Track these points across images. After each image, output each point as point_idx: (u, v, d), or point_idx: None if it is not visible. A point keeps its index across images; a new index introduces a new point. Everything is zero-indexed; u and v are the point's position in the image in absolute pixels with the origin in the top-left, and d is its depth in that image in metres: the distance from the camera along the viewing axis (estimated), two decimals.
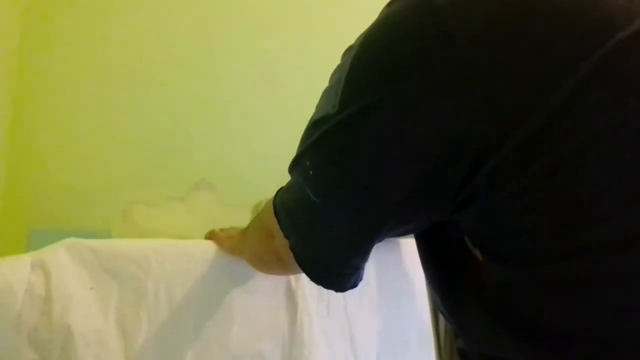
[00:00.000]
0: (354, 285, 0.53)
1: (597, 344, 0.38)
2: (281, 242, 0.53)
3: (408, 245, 0.87)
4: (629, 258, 0.36)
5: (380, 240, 0.49)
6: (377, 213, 0.45)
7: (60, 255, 0.74)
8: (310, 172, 0.47)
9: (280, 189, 0.56)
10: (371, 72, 0.43)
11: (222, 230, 0.89)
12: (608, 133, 0.36)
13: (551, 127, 0.36)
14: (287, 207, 0.53)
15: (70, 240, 0.77)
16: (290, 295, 0.87)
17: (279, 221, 0.53)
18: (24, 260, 0.72)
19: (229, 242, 0.84)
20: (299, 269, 0.52)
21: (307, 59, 1.09)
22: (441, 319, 0.58)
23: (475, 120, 0.38)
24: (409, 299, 0.95)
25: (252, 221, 0.73)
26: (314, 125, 0.47)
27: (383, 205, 0.44)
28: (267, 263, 0.72)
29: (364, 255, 0.50)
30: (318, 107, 0.48)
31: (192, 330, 0.81)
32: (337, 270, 0.51)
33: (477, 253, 0.44)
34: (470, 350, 0.47)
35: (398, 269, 0.94)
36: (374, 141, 0.42)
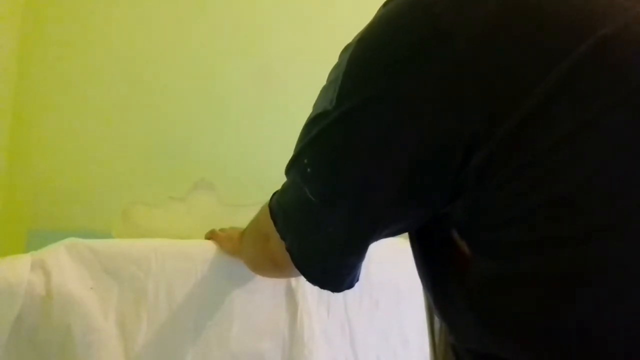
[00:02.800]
0: (350, 286, 0.53)
1: (582, 338, 0.38)
2: (277, 245, 0.53)
3: (407, 245, 0.86)
4: (616, 247, 0.37)
5: (375, 240, 0.49)
6: (374, 210, 0.45)
7: (60, 255, 0.75)
8: (309, 170, 0.48)
9: (276, 192, 0.56)
10: (368, 68, 0.44)
11: (222, 230, 0.90)
12: (589, 126, 0.37)
13: (534, 120, 0.37)
14: (283, 208, 0.53)
15: (70, 240, 0.77)
16: (291, 295, 0.87)
17: (275, 223, 0.53)
18: (24, 260, 0.72)
19: (228, 243, 0.85)
20: (293, 272, 0.52)
21: (308, 58, 1.09)
22: (436, 317, 0.58)
23: (467, 113, 0.39)
24: (409, 299, 0.95)
25: (249, 224, 0.73)
26: (312, 122, 0.48)
27: (380, 201, 0.45)
28: (263, 266, 0.72)
29: (359, 254, 0.50)
30: (316, 105, 0.49)
31: (192, 330, 0.81)
32: (333, 270, 0.51)
33: (464, 247, 0.44)
34: (461, 348, 0.48)
35: (398, 269, 0.94)
36: (371, 136, 0.43)
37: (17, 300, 0.69)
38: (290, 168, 0.51)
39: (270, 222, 0.54)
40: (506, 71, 0.38)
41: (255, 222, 0.68)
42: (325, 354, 0.86)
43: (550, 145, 0.37)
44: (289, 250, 0.52)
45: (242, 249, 0.78)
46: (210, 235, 0.89)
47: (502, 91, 0.38)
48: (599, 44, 0.37)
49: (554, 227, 0.38)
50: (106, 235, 0.94)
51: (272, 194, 0.57)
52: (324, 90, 0.48)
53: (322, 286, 0.53)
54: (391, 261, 0.94)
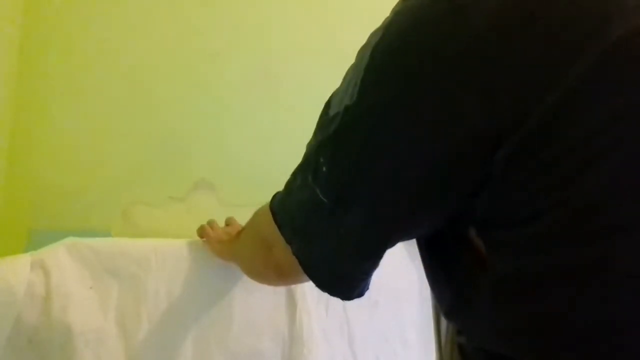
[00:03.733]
0: (361, 294, 0.51)
1: (602, 339, 0.38)
2: (282, 251, 0.51)
3: (408, 245, 0.87)
4: (638, 245, 0.36)
5: (392, 245, 0.47)
6: (392, 212, 0.44)
7: (60, 255, 0.75)
8: (324, 169, 0.46)
9: (276, 194, 0.54)
10: (393, 63, 0.42)
11: (210, 222, 0.87)
12: (616, 120, 0.37)
13: (561, 113, 0.37)
14: (289, 211, 0.51)
15: (70, 239, 0.77)
16: (290, 295, 0.87)
17: (280, 227, 0.51)
18: (24, 260, 0.72)
19: (219, 248, 0.82)
20: (299, 278, 0.50)
21: (309, 58, 1.09)
22: (443, 317, 0.57)
23: (494, 108, 0.38)
24: (408, 299, 0.95)
25: (243, 229, 0.71)
26: (330, 120, 0.46)
27: (399, 203, 0.43)
28: (264, 275, 0.69)
29: (374, 260, 0.48)
30: (333, 102, 0.47)
31: (192, 329, 0.81)
32: (346, 277, 0.49)
33: (480, 245, 0.43)
34: (471, 347, 0.47)
35: (398, 269, 0.95)
36: (394, 134, 0.42)
37: (17, 300, 0.69)
38: (300, 170, 0.50)
39: (274, 227, 0.52)
40: (533, 64, 0.38)
41: (252, 228, 0.65)
42: (324, 354, 0.86)
43: (573, 143, 0.37)
44: (295, 254, 0.50)
45: (236, 254, 0.75)
46: (201, 233, 0.87)
47: (527, 88, 0.37)
48: (624, 37, 0.37)
49: (575, 225, 0.37)
50: (106, 235, 0.95)
51: (272, 196, 0.55)
52: (343, 88, 0.46)
53: (332, 292, 0.50)
54: (391, 261, 0.94)
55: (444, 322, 0.57)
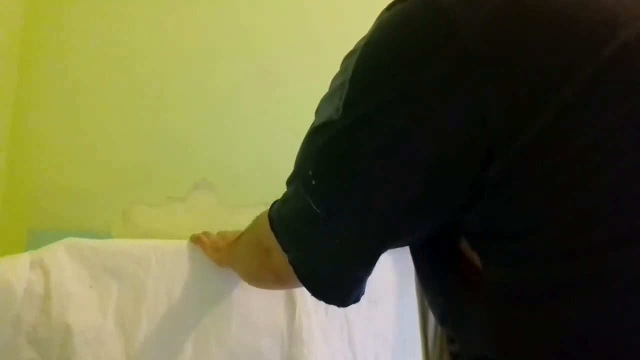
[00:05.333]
0: (356, 300, 0.51)
1: (598, 346, 0.38)
2: (279, 259, 0.51)
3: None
4: (633, 256, 0.36)
5: (384, 251, 0.47)
6: (384, 222, 0.44)
7: (59, 254, 0.75)
8: (313, 182, 0.46)
9: (275, 202, 0.54)
10: (378, 73, 0.42)
11: (205, 233, 0.87)
12: (613, 133, 0.36)
13: (557, 127, 0.36)
14: (285, 220, 0.51)
15: (70, 239, 0.77)
16: (289, 295, 0.87)
17: (277, 235, 0.51)
18: (23, 259, 0.72)
19: (215, 253, 0.82)
20: (297, 284, 0.50)
21: (308, 58, 1.09)
22: (430, 321, 0.57)
23: (486, 119, 0.37)
24: (408, 299, 0.95)
25: (242, 235, 0.71)
26: (316, 132, 0.46)
27: (391, 213, 0.43)
28: (263, 279, 0.70)
29: (368, 267, 0.48)
30: (319, 114, 0.47)
31: (192, 328, 0.81)
32: (340, 285, 0.49)
33: (474, 258, 0.43)
34: (465, 356, 0.47)
35: (396, 269, 0.95)
36: (383, 145, 0.41)
37: (16, 299, 0.69)
38: (293, 179, 0.50)
39: (271, 234, 0.52)
40: (526, 76, 0.37)
41: (252, 233, 0.65)
42: (324, 354, 0.86)
43: (571, 156, 0.36)
44: (292, 263, 0.50)
45: (234, 260, 0.75)
46: (196, 241, 0.86)
47: (523, 98, 0.37)
48: (621, 48, 0.36)
49: (572, 237, 0.37)
50: (106, 235, 0.94)
51: (271, 204, 0.55)
52: (328, 98, 0.46)
53: (327, 300, 0.51)
54: (390, 260, 0.94)
55: (431, 328, 0.57)
